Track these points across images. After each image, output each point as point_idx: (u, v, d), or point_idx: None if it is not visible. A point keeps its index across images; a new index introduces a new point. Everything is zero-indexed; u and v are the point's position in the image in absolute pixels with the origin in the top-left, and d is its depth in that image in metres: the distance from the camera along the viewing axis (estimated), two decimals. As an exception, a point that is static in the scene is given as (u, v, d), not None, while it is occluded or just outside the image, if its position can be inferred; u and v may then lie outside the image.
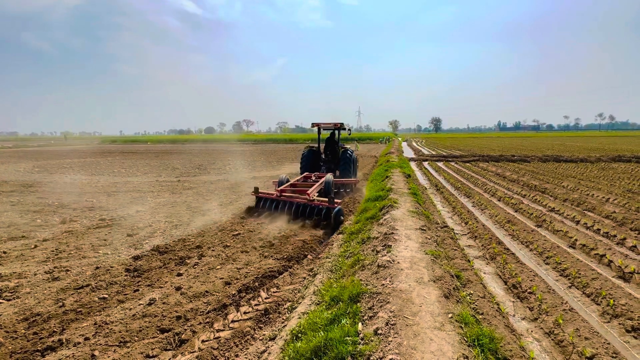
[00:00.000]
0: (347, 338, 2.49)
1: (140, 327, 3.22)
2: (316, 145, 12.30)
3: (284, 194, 7.98)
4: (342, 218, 7.13)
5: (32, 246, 5.57)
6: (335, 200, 7.17)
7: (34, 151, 35.91)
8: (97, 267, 4.68)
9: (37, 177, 14.48)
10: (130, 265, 4.78)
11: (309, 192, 7.73)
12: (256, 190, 8.35)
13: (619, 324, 3.14)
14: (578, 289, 3.85)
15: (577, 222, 6.38)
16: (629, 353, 2.77)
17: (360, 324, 2.72)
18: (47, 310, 3.56)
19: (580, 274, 4.06)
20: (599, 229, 5.82)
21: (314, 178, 9.91)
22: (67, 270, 4.58)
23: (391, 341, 2.38)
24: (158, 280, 4.31)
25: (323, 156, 11.97)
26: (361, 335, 2.54)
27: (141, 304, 3.68)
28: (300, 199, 7.60)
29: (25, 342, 3.03)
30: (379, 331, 2.53)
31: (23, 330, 3.20)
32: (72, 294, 3.92)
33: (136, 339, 3.07)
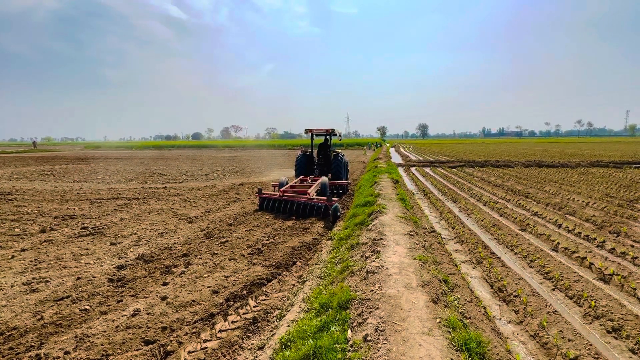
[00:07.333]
0: (337, 345, 2.48)
1: (123, 339, 3.12)
2: (309, 150, 12.79)
3: (286, 194, 8.54)
4: (339, 214, 7.77)
5: (9, 256, 5.34)
6: (333, 198, 7.91)
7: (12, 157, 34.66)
8: (79, 278, 4.52)
9: (15, 184, 13.97)
10: (114, 275, 4.64)
11: (309, 191, 8.41)
12: (259, 191, 8.88)
13: (600, 325, 3.23)
14: (561, 291, 3.95)
15: (559, 226, 6.56)
16: (610, 353, 2.85)
17: (349, 330, 2.71)
18: (25, 323, 3.41)
19: (562, 276, 4.16)
20: (579, 232, 6.00)
21: (309, 180, 10.51)
22: (47, 281, 4.41)
23: (380, 347, 2.38)
24: (143, 290, 4.20)
25: (316, 160, 12.48)
26: (350, 342, 2.54)
27: (125, 315, 3.57)
28: (302, 198, 8.20)
29: (0, 358, 2.89)
30: (368, 338, 2.52)
31: (-2, 346, 3.05)
32: (51, 306, 3.77)
33: (119, 351, 2.97)
